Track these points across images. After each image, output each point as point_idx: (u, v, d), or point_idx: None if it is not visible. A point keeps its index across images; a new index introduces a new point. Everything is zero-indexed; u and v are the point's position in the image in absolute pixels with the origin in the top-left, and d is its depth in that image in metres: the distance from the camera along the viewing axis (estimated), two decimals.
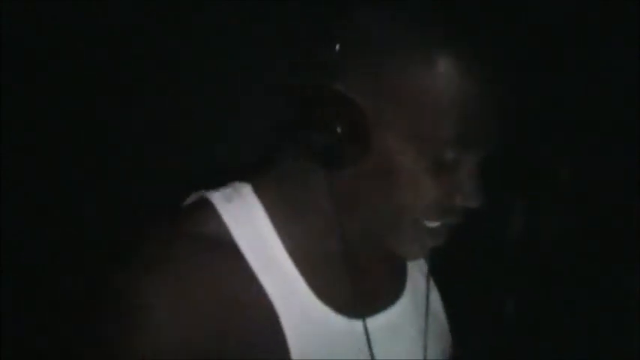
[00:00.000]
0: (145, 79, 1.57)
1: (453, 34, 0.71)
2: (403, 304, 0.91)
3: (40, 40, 1.56)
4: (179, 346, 0.73)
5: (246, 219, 0.81)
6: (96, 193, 1.62)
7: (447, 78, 0.71)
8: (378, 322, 0.86)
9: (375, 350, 0.83)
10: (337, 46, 0.73)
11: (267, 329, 0.78)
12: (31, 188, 1.60)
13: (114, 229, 1.49)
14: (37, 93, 1.58)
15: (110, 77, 1.58)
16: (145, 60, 1.58)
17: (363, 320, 0.83)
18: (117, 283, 0.77)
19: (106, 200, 1.61)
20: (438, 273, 0.99)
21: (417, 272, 0.96)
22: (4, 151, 1.55)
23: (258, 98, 1.51)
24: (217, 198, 0.82)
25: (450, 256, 0.92)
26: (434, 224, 0.80)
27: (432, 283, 0.96)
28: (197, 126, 1.59)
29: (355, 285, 0.83)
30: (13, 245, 1.55)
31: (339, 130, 0.73)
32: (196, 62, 1.59)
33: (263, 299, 0.78)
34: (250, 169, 0.86)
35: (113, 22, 1.55)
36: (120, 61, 1.56)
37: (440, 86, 0.71)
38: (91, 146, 1.59)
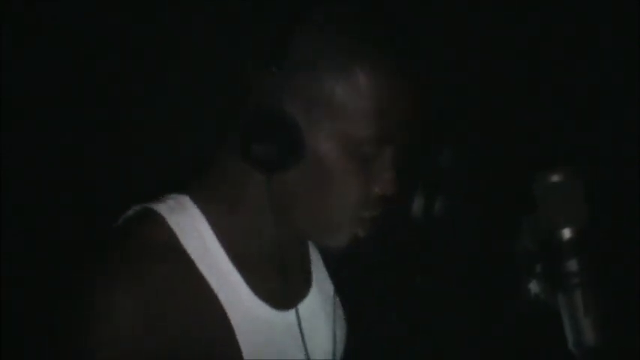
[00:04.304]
0: None
1: (370, 48, 0.85)
2: (314, 293, 1.04)
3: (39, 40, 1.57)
4: (139, 348, 0.81)
5: (192, 229, 0.90)
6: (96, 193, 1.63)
7: (366, 86, 0.84)
8: (301, 311, 0.98)
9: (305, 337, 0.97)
10: (273, 68, 0.84)
11: (219, 329, 0.89)
12: (32, 187, 1.61)
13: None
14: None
15: None
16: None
17: (297, 311, 0.97)
18: (83, 292, 0.84)
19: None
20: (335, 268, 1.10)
21: (317, 264, 1.10)
22: (4, 151, 1.56)
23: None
24: (164, 210, 0.90)
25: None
26: (363, 215, 0.91)
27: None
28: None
29: (283, 280, 0.96)
30: (13, 245, 1.57)
31: (277, 138, 0.84)
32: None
33: (214, 302, 0.89)
34: (186, 180, 0.95)
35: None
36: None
37: (360, 92, 0.84)
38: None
